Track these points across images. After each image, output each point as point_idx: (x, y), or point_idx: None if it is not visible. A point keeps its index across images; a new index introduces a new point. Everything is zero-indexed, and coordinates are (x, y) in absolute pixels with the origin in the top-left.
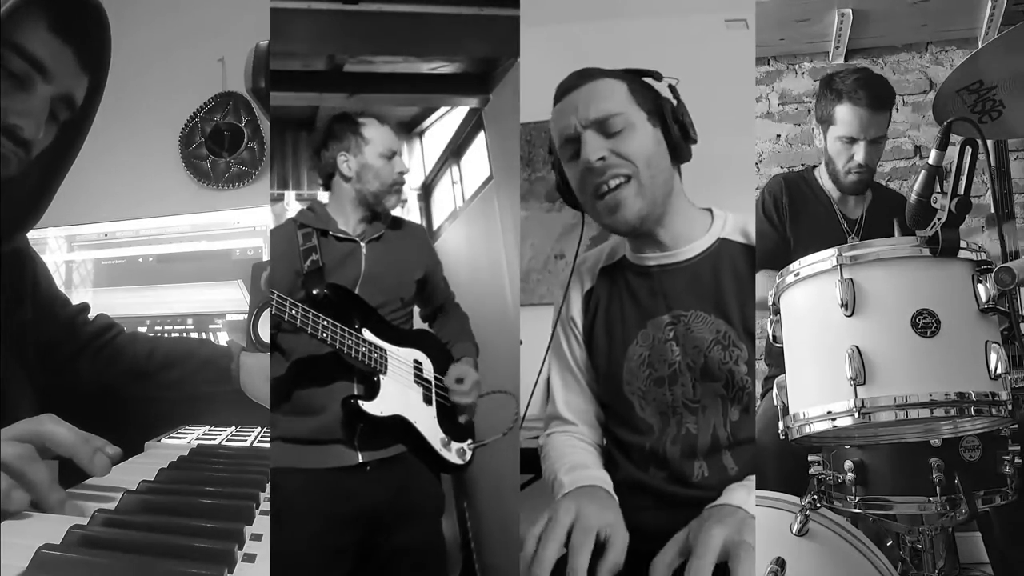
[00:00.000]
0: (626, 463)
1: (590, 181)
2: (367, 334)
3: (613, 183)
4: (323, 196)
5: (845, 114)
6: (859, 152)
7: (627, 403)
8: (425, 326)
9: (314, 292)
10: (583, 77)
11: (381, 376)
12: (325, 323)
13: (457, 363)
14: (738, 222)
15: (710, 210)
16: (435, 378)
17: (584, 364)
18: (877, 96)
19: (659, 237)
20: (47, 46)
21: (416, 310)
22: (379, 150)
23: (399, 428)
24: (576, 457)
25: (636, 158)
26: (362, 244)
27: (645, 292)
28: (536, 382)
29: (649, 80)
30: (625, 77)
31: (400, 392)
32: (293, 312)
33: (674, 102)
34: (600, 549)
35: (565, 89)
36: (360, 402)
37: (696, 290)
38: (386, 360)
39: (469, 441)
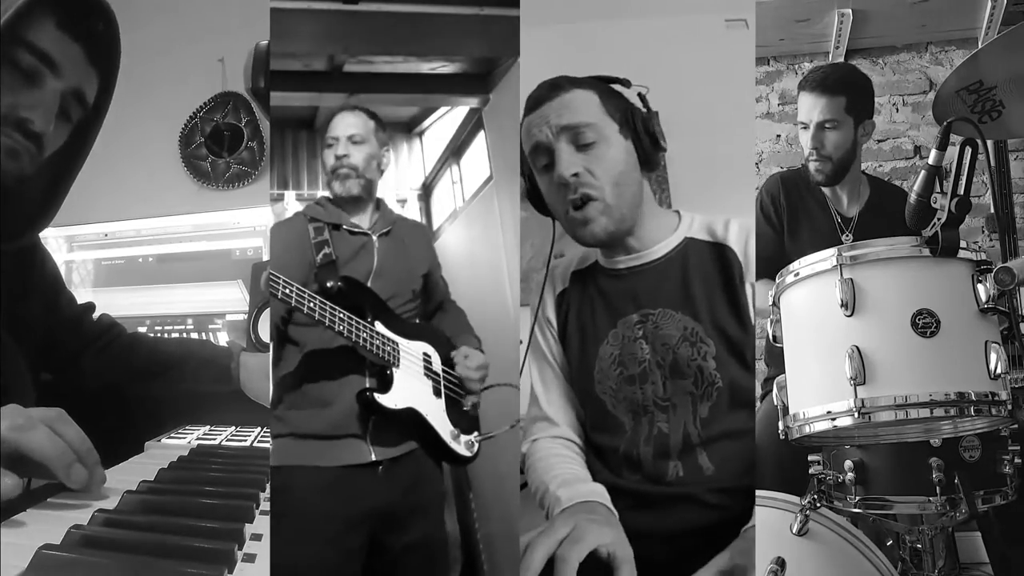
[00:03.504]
0: (600, 467)
1: (562, 195)
2: (380, 327)
3: (582, 200)
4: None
5: (800, 102)
6: (808, 137)
7: (599, 402)
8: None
9: (328, 285)
10: (554, 88)
11: (394, 369)
12: (342, 316)
13: (463, 346)
14: (705, 221)
15: (677, 212)
16: (443, 370)
17: (563, 362)
18: (824, 81)
19: (629, 243)
20: (56, 42)
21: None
22: (327, 141)
23: (411, 421)
24: (566, 468)
25: (606, 177)
26: (374, 237)
27: (616, 293)
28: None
29: (619, 88)
30: (595, 86)
31: (412, 385)
32: (312, 305)
33: (644, 110)
34: (606, 568)
35: (537, 100)
36: (375, 395)
37: (664, 288)
38: (399, 353)
39: (476, 433)
